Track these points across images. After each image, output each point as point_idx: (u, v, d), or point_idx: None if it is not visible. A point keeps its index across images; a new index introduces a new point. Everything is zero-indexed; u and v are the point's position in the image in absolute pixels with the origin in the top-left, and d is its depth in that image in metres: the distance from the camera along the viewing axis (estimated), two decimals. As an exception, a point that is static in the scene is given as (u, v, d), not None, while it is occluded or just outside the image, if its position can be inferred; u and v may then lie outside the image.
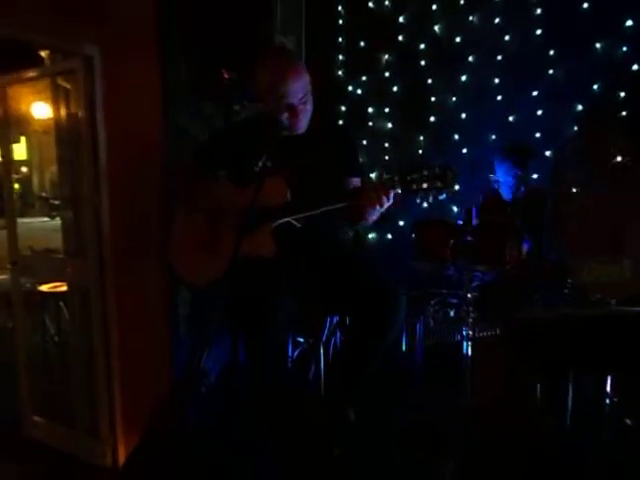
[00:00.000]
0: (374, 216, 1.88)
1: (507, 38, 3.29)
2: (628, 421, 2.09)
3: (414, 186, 1.75)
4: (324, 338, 2.17)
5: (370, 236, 3.60)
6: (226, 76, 2.59)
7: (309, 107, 1.97)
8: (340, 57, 3.70)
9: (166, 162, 2.50)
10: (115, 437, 2.53)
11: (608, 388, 2.12)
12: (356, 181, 2.07)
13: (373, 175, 3.40)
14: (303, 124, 1.98)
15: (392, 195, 1.78)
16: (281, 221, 1.88)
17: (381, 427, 2.22)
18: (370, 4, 3.62)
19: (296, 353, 2.42)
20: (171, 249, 2.06)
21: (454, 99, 3.45)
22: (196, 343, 1.46)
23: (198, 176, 2.07)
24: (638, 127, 1.61)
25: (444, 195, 1.74)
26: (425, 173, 1.74)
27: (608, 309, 1.30)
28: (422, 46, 3.50)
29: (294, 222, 1.90)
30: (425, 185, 1.74)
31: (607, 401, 2.11)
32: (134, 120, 2.46)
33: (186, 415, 1.54)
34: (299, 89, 1.92)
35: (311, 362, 2.26)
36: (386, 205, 1.79)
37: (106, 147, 2.38)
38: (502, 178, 2.83)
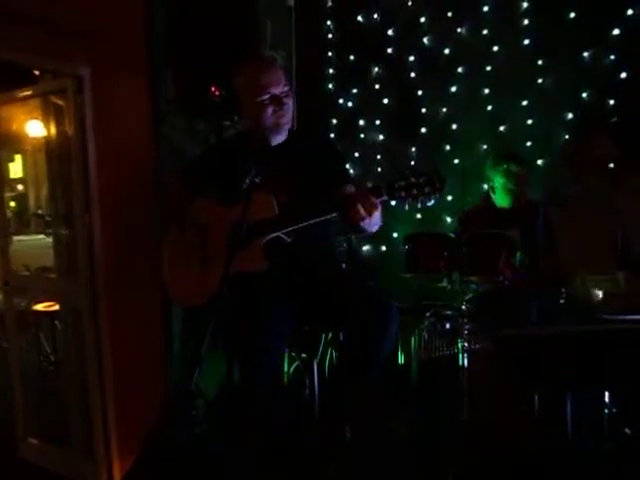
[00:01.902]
0: (371, 227, 1.87)
1: (496, 49, 3.31)
2: (627, 430, 2.08)
3: (402, 193, 1.74)
4: (319, 354, 2.16)
5: (365, 248, 3.60)
6: (216, 93, 2.60)
7: (291, 103, 1.98)
8: (330, 70, 3.72)
9: (157, 180, 2.50)
10: (110, 458, 2.50)
11: (607, 399, 2.11)
12: (349, 188, 2.05)
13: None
14: (288, 119, 1.98)
15: (379, 203, 1.76)
16: (271, 236, 1.88)
17: (378, 443, 2.20)
18: (359, 18, 3.64)
19: (292, 369, 2.41)
20: (162, 268, 2.05)
21: (444, 110, 3.45)
22: (189, 363, 1.44)
23: (188, 195, 2.07)
24: (628, 134, 1.61)
25: (432, 201, 1.74)
26: (412, 180, 1.73)
27: (601, 325, 1.29)
28: (411, 58, 3.52)
29: (284, 236, 1.89)
30: (413, 191, 1.73)
31: (606, 411, 2.11)
32: (125, 138, 2.46)
33: (179, 436, 1.52)
34: (279, 80, 1.94)
35: (305, 378, 2.25)
36: (375, 213, 1.78)
37: (96, 165, 2.38)
38: (499, 182, 2.77)
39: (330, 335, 2.15)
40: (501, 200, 2.77)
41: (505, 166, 2.75)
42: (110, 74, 2.40)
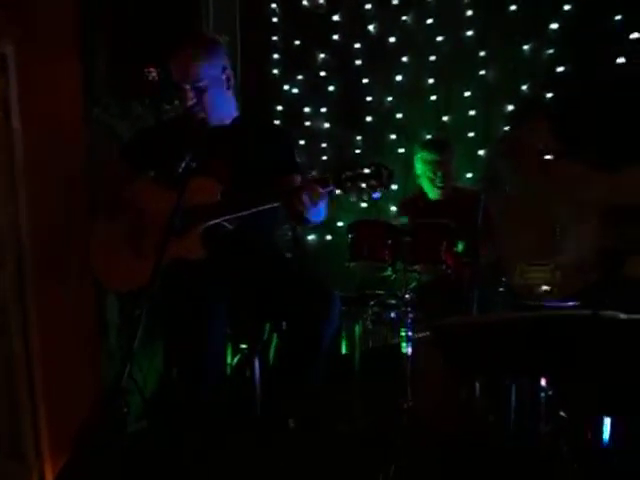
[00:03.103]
0: (316, 217, 1.84)
1: (440, 39, 3.33)
2: (562, 413, 2.15)
3: (349, 184, 1.73)
4: (261, 344, 2.12)
5: (309, 237, 3.57)
6: (153, 74, 2.49)
7: (212, 94, 1.91)
8: (275, 56, 3.64)
9: (90, 163, 2.37)
10: (41, 460, 2.37)
11: (543, 382, 2.19)
12: (297, 179, 2.03)
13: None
14: (205, 110, 1.90)
15: (326, 193, 1.74)
16: (211, 223, 1.81)
17: (321, 433, 2.19)
18: (304, 2, 3.57)
19: (235, 360, 2.35)
20: (94, 253, 1.96)
21: (390, 99, 3.46)
22: (124, 356, 1.38)
23: (124, 175, 1.98)
24: (565, 127, 1.64)
25: (379, 194, 1.74)
26: (359, 171, 1.72)
27: (536, 312, 1.32)
28: (357, 45, 3.49)
29: (225, 224, 1.84)
30: (360, 183, 1.72)
31: (543, 395, 2.17)
32: (54, 120, 2.31)
33: (110, 435, 1.46)
34: (185, 75, 1.88)
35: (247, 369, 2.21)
36: (321, 204, 1.76)
37: (22, 149, 2.23)
38: (420, 170, 2.83)
39: (273, 324, 2.11)
40: (426, 188, 2.81)
41: (420, 154, 2.80)
42: (37, 53, 2.24)
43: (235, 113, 2.06)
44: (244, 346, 2.13)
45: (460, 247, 2.30)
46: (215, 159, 1.85)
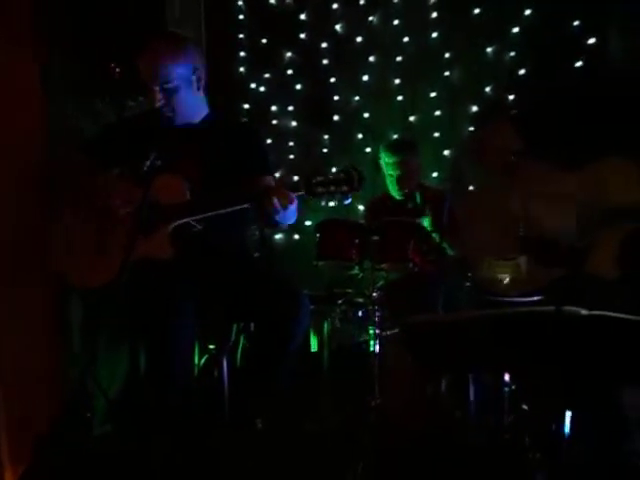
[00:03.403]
0: (286, 220, 1.84)
1: (406, 40, 3.37)
2: (524, 406, 2.21)
3: (319, 189, 1.73)
4: (229, 344, 2.10)
5: (277, 237, 3.55)
6: (117, 70, 2.43)
7: (182, 94, 1.88)
8: (241, 53, 3.61)
9: (48, 160, 2.30)
10: (1, 468, 2.29)
11: (506, 377, 2.24)
12: (268, 180, 2.01)
13: (277, 175, 3.36)
14: (172, 112, 1.87)
15: (296, 198, 1.74)
16: (179, 222, 1.79)
17: (289, 432, 2.18)
18: (271, 0, 3.56)
19: (202, 361, 2.32)
20: (57, 249, 1.91)
21: (357, 98, 3.48)
22: (87, 358, 1.35)
23: (89, 170, 1.93)
24: (528, 127, 1.69)
25: (350, 199, 1.74)
26: (331, 177, 1.72)
27: (500, 309, 1.35)
28: (324, 45, 3.50)
29: (194, 223, 1.81)
30: (331, 188, 1.72)
31: (506, 389, 2.23)
32: (10, 119, 2.24)
33: (74, 439, 1.42)
34: (150, 75, 1.84)
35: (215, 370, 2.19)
36: (291, 207, 1.75)
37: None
38: (384, 171, 2.85)
39: (241, 325, 2.09)
40: (391, 188, 2.84)
41: (382, 156, 2.84)
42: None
43: (205, 112, 2.02)
44: (212, 347, 2.10)
45: (427, 244, 2.32)
46: (184, 159, 1.83)
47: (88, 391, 1.35)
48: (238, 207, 1.79)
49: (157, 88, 1.85)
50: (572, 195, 1.51)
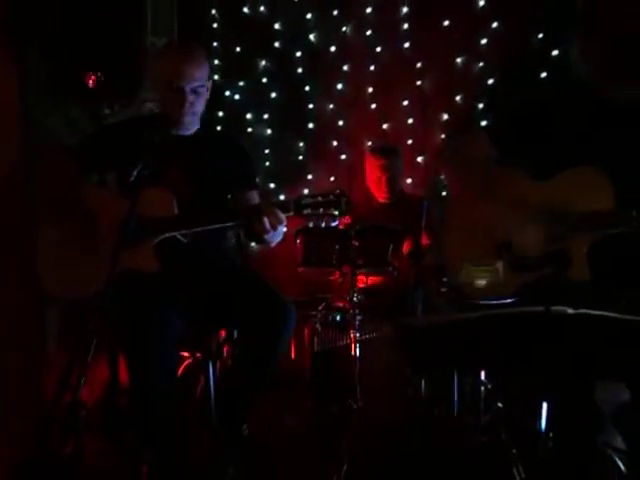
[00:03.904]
0: (274, 239, 1.86)
1: (379, 49, 3.44)
2: (500, 405, 2.29)
3: (308, 210, 1.75)
4: (213, 353, 2.10)
5: (253, 244, 3.56)
6: (92, 78, 2.42)
7: (201, 101, 1.90)
8: (216, 61, 3.62)
9: (28, 167, 2.27)
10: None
11: (483, 376, 2.31)
12: (253, 195, 2.03)
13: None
14: (189, 117, 1.90)
15: (285, 218, 1.76)
16: (165, 236, 1.78)
17: (272, 437, 2.20)
18: (245, 9, 3.58)
19: (182, 369, 2.32)
20: (41, 256, 1.87)
21: (331, 106, 3.53)
22: (70, 368, 1.34)
23: (77, 176, 1.91)
24: (499, 138, 1.76)
25: (337, 222, 1.77)
26: (320, 199, 1.74)
27: (479, 311, 1.41)
28: (298, 54, 3.54)
29: (180, 237, 1.81)
30: (319, 210, 1.75)
31: (482, 389, 2.30)
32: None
33: (62, 450, 1.41)
34: (191, 73, 1.84)
35: (198, 378, 2.18)
36: (280, 228, 1.77)
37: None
38: (368, 173, 2.93)
39: (227, 334, 2.10)
40: (374, 191, 2.91)
41: (368, 158, 2.89)
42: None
43: (198, 125, 2.03)
44: (198, 355, 2.10)
45: (406, 249, 2.38)
46: (174, 169, 1.82)
47: (79, 402, 1.34)
48: (227, 224, 1.80)
49: (188, 88, 1.84)
50: (542, 203, 1.57)
